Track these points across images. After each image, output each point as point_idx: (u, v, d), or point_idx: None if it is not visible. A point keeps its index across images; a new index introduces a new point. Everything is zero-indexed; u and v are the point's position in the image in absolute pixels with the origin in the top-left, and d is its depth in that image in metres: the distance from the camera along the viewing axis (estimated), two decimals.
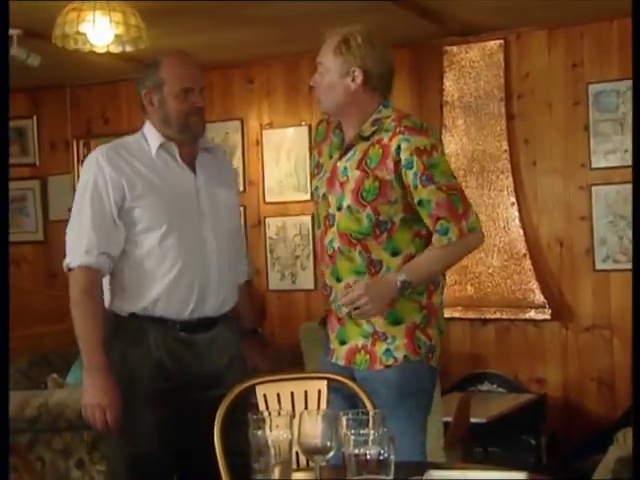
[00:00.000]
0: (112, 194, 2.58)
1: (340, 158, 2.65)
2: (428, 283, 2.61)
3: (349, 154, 2.62)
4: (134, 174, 2.61)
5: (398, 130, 2.54)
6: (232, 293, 2.76)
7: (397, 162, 2.52)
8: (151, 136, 2.68)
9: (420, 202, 2.53)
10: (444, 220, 2.53)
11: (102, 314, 2.60)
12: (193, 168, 2.70)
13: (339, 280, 2.63)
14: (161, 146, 2.66)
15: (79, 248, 2.58)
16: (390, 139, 2.54)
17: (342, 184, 2.61)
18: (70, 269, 2.60)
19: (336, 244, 2.61)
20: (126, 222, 2.60)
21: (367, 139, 2.60)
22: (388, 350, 2.58)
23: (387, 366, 2.57)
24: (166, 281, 2.61)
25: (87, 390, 2.56)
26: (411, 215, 2.57)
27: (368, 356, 2.60)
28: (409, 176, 2.51)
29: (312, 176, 2.82)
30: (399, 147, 2.52)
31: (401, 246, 2.58)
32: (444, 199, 2.53)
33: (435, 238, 2.55)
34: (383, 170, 2.54)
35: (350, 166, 2.60)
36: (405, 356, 2.57)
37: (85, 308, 2.58)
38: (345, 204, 2.59)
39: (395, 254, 2.58)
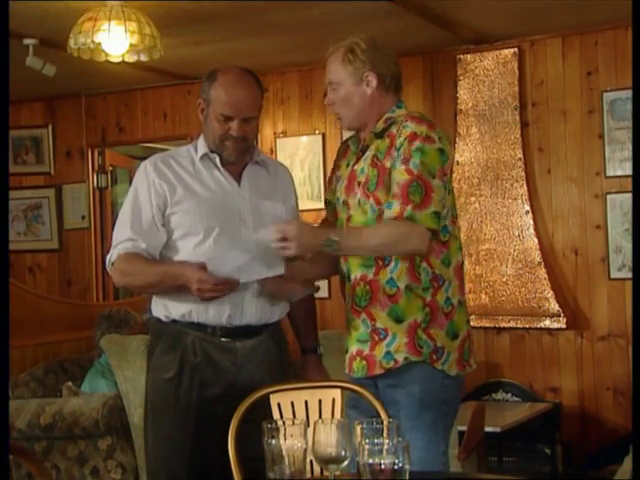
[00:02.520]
0: (154, 198, 2.65)
1: (357, 161, 2.68)
2: (432, 280, 2.58)
3: (365, 154, 2.65)
4: (176, 180, 2.67)
5: (404, 120, 2.59)
6: (278, 305, 2.73)
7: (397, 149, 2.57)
8: (200, 145, 2.73)
9: (392, 182, 2.54)
10: (395, 198, 2.50)
11: (146, 265, 2.64)
12: (239, 179, 2.72)
13: (349, 278, 2.64)
14: (204, 156, 2.70)
15: (117, 245, 2.66)
16: (397, 129, 2.58)
17: (360, 183, 2.64)
18: (112, 264, 2.67)
19: None
20: (167, 229, 2.66)
21: (380, 136, 2.63)
22: (388, 353, 2.56)
23: (388, 369, 2.56)
24: None
25: (186, 281, 2.54)
26: None
27: (365, 362, 2.59)
28: (396, 159, 2.53)
29: (327, 191, 2.84)
30: (400, 134, 2.56)
31: None
32: (405, 181, 2.50)
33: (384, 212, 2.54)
34: (389, 159, 2.57)
35: (366, 165, 2.63)
36: (405, 357, 2.55)
37: (130, 278, 2.67)
38: (357, 199, 2.62)
39: None
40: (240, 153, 2.69)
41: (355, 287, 2.61)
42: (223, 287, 2.51)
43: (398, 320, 2.56)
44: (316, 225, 2.58)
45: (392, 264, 2.57)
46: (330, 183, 2.82)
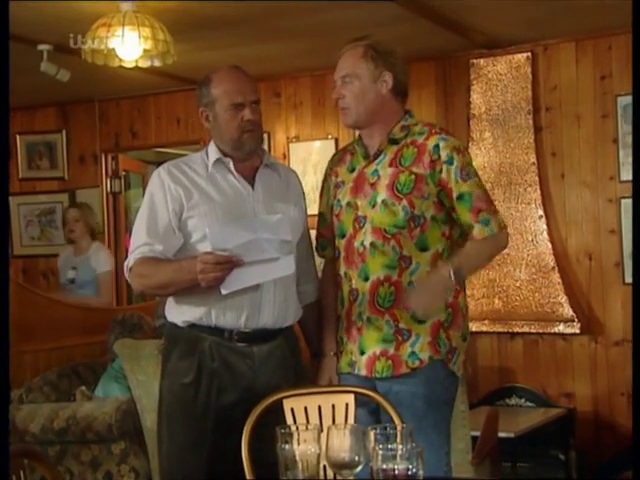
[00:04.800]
0: (170, 203, 2.66)
1: (368, 164, 2.70)
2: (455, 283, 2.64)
3: (379, 158, 2.69)
4: (191, 185, 2.68)
5: (434, 131, 2.67)
6: (292, 309, 2.74)
7: (434, 160, 2.61)
8: (211, 151, 2.74)
9: (461, 196, 2.61)
10: (485, 212, 2.62)
11: (161, 264, 2.63)
12: (252, 182, 2.73)
13: (367, 279, 2.64)
14: (217, 160, 2.72)
15: (134, 250, 2.66)
16: (426, 139, 2.65)
17: (373, 184, 2.67)
18: (130, 269, 2.67)
19: (368, 240, 2.64)
20: (184, 232, 2.67)
21: (397, 142, 2.67)
22: (413, 353, 2.60)
23: (413, 369, 2.59)
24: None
25: (196, 272, 2.53)
26: (440, 214, 2.64)
27: (390, 362, 2.61)
28: (450, 171, 2.61)
29: (321, 198, 2.87)
30: (437, 146, 2.62)
31: (430, 243, 2.63)
32: (484, 193, 2.66)
33: (477, 229, 2.61)
34: (419, 166, 2.62)
35: (382, 167, 2.67)
36: (430, 357, 2.60)
37: (145, 279, 2.65)
38: (380, 199, 2.64)
39: (424, 250, 2.63)
40: (258, 142, 2.73)
41: (377, 288, 2.63)
42: (224, 266, 2.48)
43: (421, 321, 2.61)
44: (427, 276, 2.60)
45: (412, 266, 2.61)
46: (322, 195, 2.85)
